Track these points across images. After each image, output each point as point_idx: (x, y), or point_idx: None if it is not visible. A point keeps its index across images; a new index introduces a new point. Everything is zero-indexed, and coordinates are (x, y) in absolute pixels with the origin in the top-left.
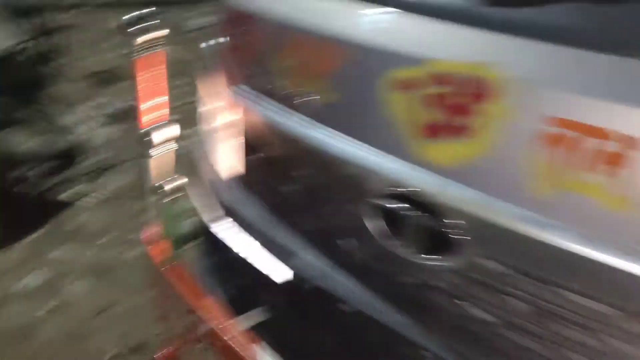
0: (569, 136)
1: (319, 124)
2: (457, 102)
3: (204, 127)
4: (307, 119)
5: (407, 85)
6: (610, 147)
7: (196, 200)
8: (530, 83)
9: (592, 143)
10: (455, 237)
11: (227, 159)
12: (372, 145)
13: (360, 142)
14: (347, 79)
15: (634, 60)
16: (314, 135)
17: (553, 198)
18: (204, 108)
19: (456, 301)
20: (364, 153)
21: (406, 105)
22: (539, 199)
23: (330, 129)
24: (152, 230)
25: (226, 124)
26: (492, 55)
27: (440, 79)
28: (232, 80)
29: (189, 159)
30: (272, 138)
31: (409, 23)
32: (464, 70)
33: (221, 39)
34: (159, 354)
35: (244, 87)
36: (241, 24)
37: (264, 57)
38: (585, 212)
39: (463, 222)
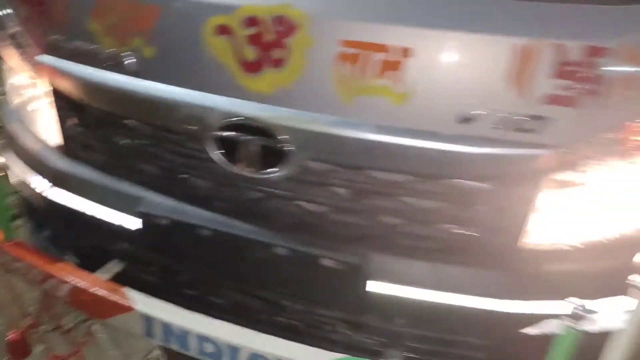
0: (358, 53)
1: (143, 79)
2: (269, 39)
3: (16, 101)
4: (131, 76)
5: (224, 31)
6: (390, 57)
7: (21, 176)
8: (324, 16)
9: (376, 56)
10: (285, 149)
11: (49, 128)
12: (201, 90)
13: (193, 87)
14: (166, 33)
15: None
16: (141, 89)
17: (354, 103)
18: (12, 81)
19: (294, 201)
20: (195, 96)
21: (226, 48)
22: (344, 106)
23: (157, 82)
24: None
25: (39, 94)
26: None
27: (251, 21)
28: (40, 50)
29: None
30: (94, 100)
31: None
32: (269, 12)
33: (21, 8)
34: (9, 337)
35: (54, 55)
36: None
37: (72, 23)
38: (379, 109)
39: (288, 136)
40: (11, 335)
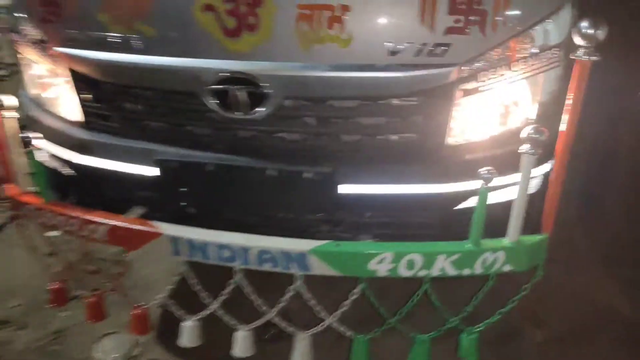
0: (312, 13)
1: (148, 55)
2: (243, 10)
3: (35, 90)
4: (138, 54)
5: (209, 8)
6: (335, 13)
7: (48, 152)
8: None
9: (325, 13)
10: (265, 93)
11: (70, 107)
12: (195, 57)
13: (189, 55)
14: (163, 15)
15: None
16: (147, 62)
17: (312, 50)
18: (30, 73)
19: (277, 133)
20: (191, 62)
21: (212, 20)
22: (305, 54)
23: (159, 56)
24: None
25: (58, 81)
26: None
27: None
28: (58, 43)
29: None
30: (109, 77)
31: None
32: None
33: (38, 10)
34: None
35: (71, 46)
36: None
37: (84, 18)
38: (330, 53)
39: (267, 83)
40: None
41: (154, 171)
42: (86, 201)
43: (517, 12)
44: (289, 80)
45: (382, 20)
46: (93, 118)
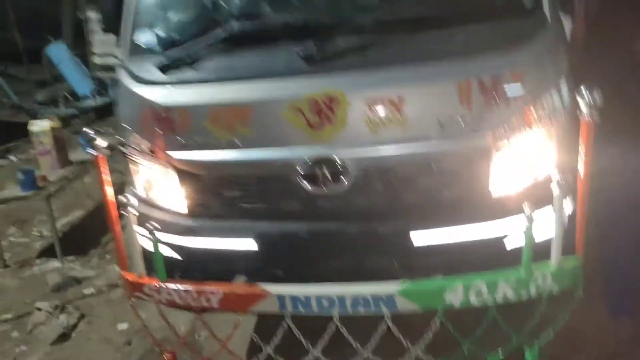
0: (374, 104)
1: (249, 149)
2: (323, 109)
3: (144, 188)
4: (240, 149)
5: (297, 109)
6: (390, 103)
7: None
8: (351, 91)
9: (383, 104)
10: (345, 170)
11: (177, 200)
12: (290, 146)
13: (282, 147)
14: (259, 119)
15: None
16: (249, 156)
17: (378, 134)
18: (142, 174)
19: (357, 200)
20: (284, 151)
21: (299, 117)
22: (373, 137)
23: (258, 149)
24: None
25: (168, 179)
26: (334, 85)
27: (312, 101)
28: (170, 148)
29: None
30: (214, 171)
31: (284, 85)
32: (322, 94)
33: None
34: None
35: (181, 150)
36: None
37: (192, 127)
38: (391, 134)
39: (346, 163)
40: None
41: (253, 244)
42: (194, 277)
43: (529, 90)
44: (362, 159)
45: (431, 103)
46: (198, 207)
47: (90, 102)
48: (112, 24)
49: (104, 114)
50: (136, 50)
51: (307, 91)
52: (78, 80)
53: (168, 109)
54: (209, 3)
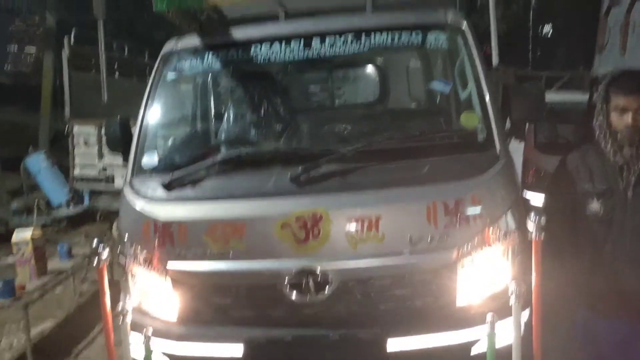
0: (356, 222)
1: (241, 260)
2: (309, 225)
3: (139, 296)
4: (233, 261)
5: (285, 226)
6: (366, 221)
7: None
8: (335, 209)
9: (364, 222)
10: (327, 281)
11: (170, 307)
12: (275, 259)
13: (271, 259)
14: (251, 234)
15: None
16: (241, 267)
17: (359, 248)
18: (138, 284)
19: (336, 307)
20: (273, 263)
21: (288, 233)
22: (353, 251)
23: (249, 261)
24: None
25: (163, 288)
26: (319, 204)
27: (299, 219)
28: (171, 258)
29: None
30: (208, 280)
31: (275, 204)
32: (308, 212)
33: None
34: None
35: (188, 260)
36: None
37: (192, 240)
38: (370, 248)
39: (328, 273)
40: None
41: (240, 348)
42: None
43: (486, 213)
44: (343, 271)
45: (404, 222)
46: (188, 314)
47: (64, 211)
48: (117, 145)
49: (77, 223)
50: (141, 170)
51: (295, 209)
52: (54, 190)
53: (168, 224)
54: (209, 130)
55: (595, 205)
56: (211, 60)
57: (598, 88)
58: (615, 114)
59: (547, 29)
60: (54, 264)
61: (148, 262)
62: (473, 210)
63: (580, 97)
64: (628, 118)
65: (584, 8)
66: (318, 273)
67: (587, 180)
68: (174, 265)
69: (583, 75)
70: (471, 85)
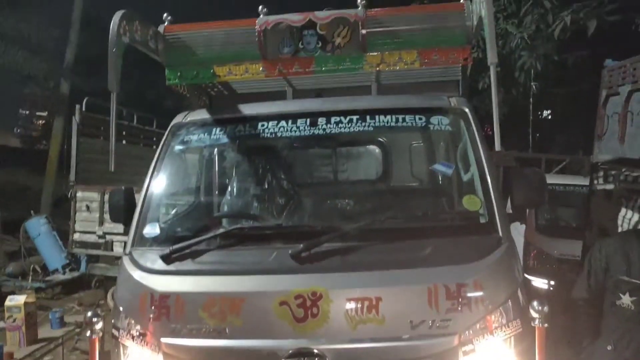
0: (356, 302)
1: (236, 339)
2: (308, 304)
3: None
4: (228, 339)
5: (284, 303)
6: (368, 301)
7: None
8: (334, 288)
9: (365, 302)
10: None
11: None
12: (273, 338)
13: (268, 338)
14: (249, 310)
15: None
16: (236, 344)
17: (358, 329)
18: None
19: None
20: (272, 342)
21: (286, 311)
22: (353, 331)
23: (245, 339)
24: None
25: None
26: (319, 283)
27: (299, 297)
28: (163, 335)
29: None
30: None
31: (274, 280)
32: (307, 290)
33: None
34: None
35: (174, 337)
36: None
37: (186, 318)
38: (369, 330)
39: (327, 355)
40: None
41: None
42: None
43: (488, 298)
44: (341, 353)
45: (405, 304)
46: None
47: (59, 277)
48: (119, 216)
49: (71, 288)
50: (142, 241)
51: (295, 287)
52: (51, 255)
53: (165, 296)
54: (212, 204)
55: (626, 300)
56: (218, 134)
57: (598, 173)
58: None
59: (547, 113)
60: (44, 331)
61: (142, 334)
62: (475, 295)
63: (580, 181)
64: None
65: (583, 96)
66: (315, 354)
67: (623, 271)
68: (168, 340)
69: (583, 160)
70: (473, 167)
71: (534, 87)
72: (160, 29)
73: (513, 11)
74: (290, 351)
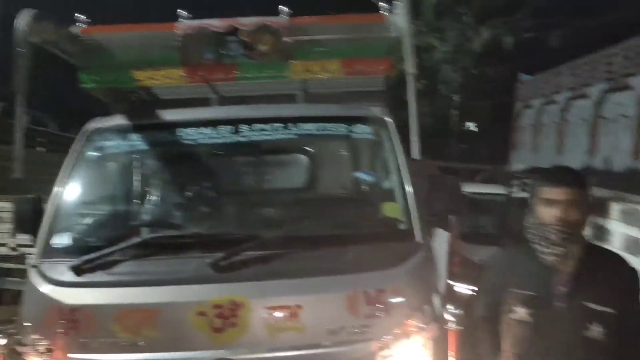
0: (274, 311)
1: (152, 353)
2: (227, 314)
3: None
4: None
5: (202, 313)
6: (287, 310)
7: None
8: (254, 292)
9: (283, 311)
10: None
11: None
12: (193, 350)
13: (185, 350)
14: (164, 322)
15: None
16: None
17: (276, 337)
18: None
19: None
20: (188, 354)
21: (204, 321)
22: (272, 340)
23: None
24: None
25: None
26: (238, 292)
27: (217, 306)
28: (72, 351)
29: None
30: None
31: (191, 290)
32: (227, 299)
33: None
34: None
35: (84, 353)
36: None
37: (97, 328)
38: (289, 337)
39: None
40: None
41: None
42: None
43: (406, 303)
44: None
45: (324, 312)
46: None
47: None
48: (26, 226)
49: None
50: (50, 252)
51: (213, 296)
52: None
53: (74, 309)
54: (128, 212)
55: (521, 312)
56: (136, 140)
57: (514, 182)
58: (544, 207)
59: (469, 125)
60: None
61: (49, 351)
62: (394, 301)
63: (500, 190)
64: (556, 211)
65: (499, 108)
66: None
67: (515, 283)
68: (76, 355)
69: (502, 169)
70: (393, 175)
71: (455, 99)
72: (75, 30)
73: (437, 26)
74: None
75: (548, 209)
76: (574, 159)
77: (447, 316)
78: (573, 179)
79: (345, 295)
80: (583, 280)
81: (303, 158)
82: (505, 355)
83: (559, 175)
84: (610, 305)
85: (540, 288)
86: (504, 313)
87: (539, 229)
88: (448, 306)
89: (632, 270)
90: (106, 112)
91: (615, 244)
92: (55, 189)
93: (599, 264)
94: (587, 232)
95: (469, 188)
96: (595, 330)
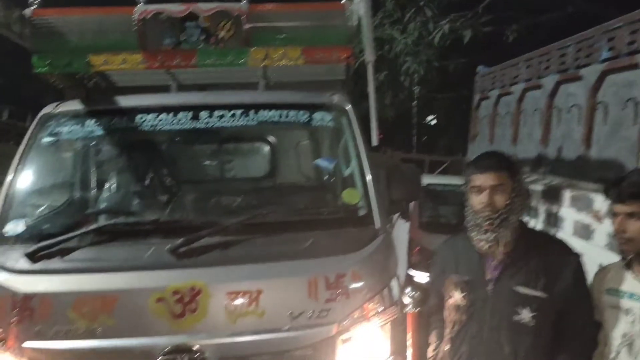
0: (235, 296)
1: (111, 338)
2: (186, 300)
3: None
4: (101, 339)
5: (160, 299)
6: (246, 296)
7: None
8: (215, 282)
9: (245, 296)
10: (204, 359)
11: None
12: (149, 336)
13: (144, 336)
14: (124, 308)
15: None
16: (111, 343)
17: (238, 322)
18: None
19: None
20: (146, 340)
21: (163, 307)
22: (232, 325)
23: (121, 339)
24: None
25: None
26: (197, 277)
27: (176, 292)
28: (26, 338)
29: None
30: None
31: (150, 276)
32: (185, 285)
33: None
34: None
35: (39, 340)
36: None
37: (54, 318)
38: (250, 322)
39: (206, 350)
40: None
41: None
42: None
43: (365, 287)
44: (221, 347)
45: (285, 296)
46: None
47: None
48: None
49: None
50: (3, 240)
51: (172, 282)
52: None
53: (29, 297)
54: (86, 199)
55: (457, 297)
56: (92, 126)
57: None
58: (474, 194)
59: (432, 117)
60: None
61: (2, 340)
62: (353, 285)
63: (459, 181)
64: (484, 197)
65: (462, 101)
66: (194, 350)
67: (454, 269)
68: (32, 343)
69: (462, 161)
70: (353, 162)
71: (415, 91)
72: (27, 12)
73: (398, 17)
74: (168, 348)
75: (477, 196)
76: (528, 149)
77: (405, 300)
78: (497, 163)
79: (305, 279)
80: (514, 265)
81: (263, 145)
82: (444, 342)
83: (483, 161)
84: (541, 289)
85: (474, 273)
86: (445, 299)
87: (472, 217)
88: (407, 290)
89: (573, 254)
90: (61, 99)
91: (566, 230)
92: (9, 176)
93: (532, 248)
94: (538, 218)
95: (432, 180)
96: (525, 315)
